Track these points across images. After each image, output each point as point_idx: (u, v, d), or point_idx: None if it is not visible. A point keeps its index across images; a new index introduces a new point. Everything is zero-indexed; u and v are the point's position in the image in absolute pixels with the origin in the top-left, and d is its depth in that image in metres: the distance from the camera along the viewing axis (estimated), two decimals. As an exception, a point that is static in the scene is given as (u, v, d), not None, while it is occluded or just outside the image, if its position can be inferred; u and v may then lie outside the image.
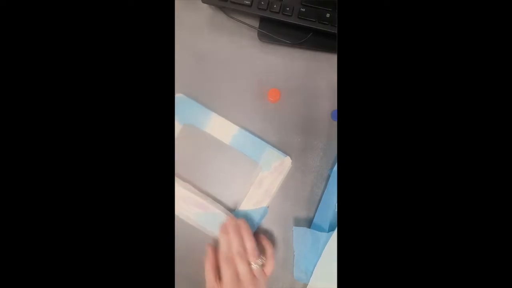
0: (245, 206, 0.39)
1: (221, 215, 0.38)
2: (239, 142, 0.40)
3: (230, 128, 0.40)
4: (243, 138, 0.40)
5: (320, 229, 0.38)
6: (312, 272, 0.37)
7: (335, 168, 0.38)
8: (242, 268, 0.33)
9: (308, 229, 0.38)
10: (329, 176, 0.39)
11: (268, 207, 0.39)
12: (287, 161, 0.39)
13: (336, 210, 0.38)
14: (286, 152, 0.40)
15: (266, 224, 0.39)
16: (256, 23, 0.41)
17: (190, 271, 0.38)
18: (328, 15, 0.37)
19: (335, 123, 0.40)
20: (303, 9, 0.37)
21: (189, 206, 0.39)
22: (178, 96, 0.40)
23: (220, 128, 0.40)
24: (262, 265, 0.34)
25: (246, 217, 0.38)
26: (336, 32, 0.37)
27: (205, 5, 0.40)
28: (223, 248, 0.34)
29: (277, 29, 0.40)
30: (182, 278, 0.38)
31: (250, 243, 0.34)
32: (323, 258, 0.37)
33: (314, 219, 0.39)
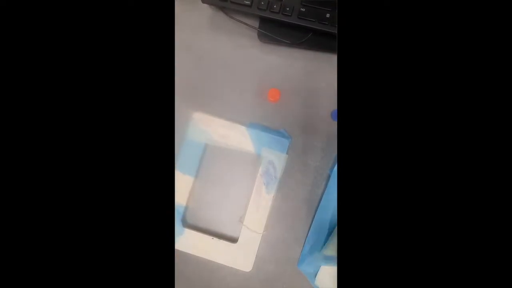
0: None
1: None
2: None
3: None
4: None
5: (320, 230, 0.38)
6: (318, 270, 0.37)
7: (335, 168, 0.38)
8: None
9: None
10: (329, 176, 0.39)
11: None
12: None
13: (336, 210, 0.38)
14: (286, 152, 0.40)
15: (266, 225, 0.39)
16: (256, 23, 0.41)
17: (190, 271, 0.39)
18: (328, 15, 0.37)
19: (335, 123, 0.40)
20: (303, 9, 0.37)
21: None
22: None
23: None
24: None
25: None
26: (336, 32, 0.37)
27: (205, 5, 0.40)
28: None
29: (277, 29, 0.40)
30: (182, 278, 0.38)
31: None
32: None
33: (314, 219, 0.39)
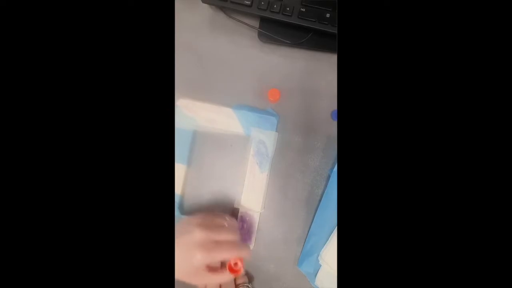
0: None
1: None
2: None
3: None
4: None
5: (320, 229, 0.38)
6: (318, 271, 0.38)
7: (335, 168, 0.38)
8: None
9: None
10: (329, 176, 0.39)
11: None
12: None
13: (336, 210, 0.38)
14: (286, 153, 0.40)
15: (266, 224, 0.40)
16: (256, 23, 0.41)
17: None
18: (328, 15, 0.37)
19: (335, 123, 0.40)
20: (303, 9, 0.37)
21: None
22: None
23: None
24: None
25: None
26: (336, 32, 0.37)
27: (205, 5, 0.40)
28: None
29: (277, 29, 0.40)
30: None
31: None
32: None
33: (314, 219, 0.39)
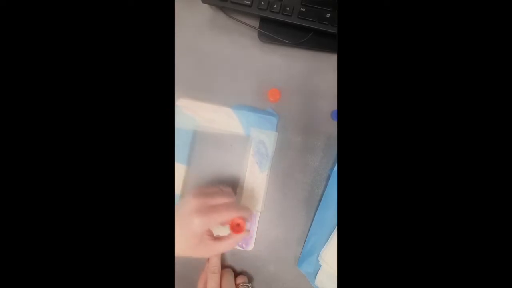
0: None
1: None
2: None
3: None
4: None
5: (320, 229, 0.38)
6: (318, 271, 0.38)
7: (335, 168, 0.38)
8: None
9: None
10: (329, 176, 0.39)
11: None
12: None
13: (336, 210, 0.38)
14: (286, 153, 0.40)
15: (266, 224, 0.40)
16: (256, 23, 0.41)
17: (191, 271, 0.39)
18: (328, 15, 0.37)
19: (335, 123, 0.40)
20: (303, 9, 0.37)
21: None
22: None
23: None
24: None
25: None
26: (336, 32, 0.37)
27: (205, 5, 0.40)
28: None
29: (277, 29, 0.40)
30: (182, 278, 0.38)
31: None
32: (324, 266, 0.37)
33: (314, 219, 0.39)
